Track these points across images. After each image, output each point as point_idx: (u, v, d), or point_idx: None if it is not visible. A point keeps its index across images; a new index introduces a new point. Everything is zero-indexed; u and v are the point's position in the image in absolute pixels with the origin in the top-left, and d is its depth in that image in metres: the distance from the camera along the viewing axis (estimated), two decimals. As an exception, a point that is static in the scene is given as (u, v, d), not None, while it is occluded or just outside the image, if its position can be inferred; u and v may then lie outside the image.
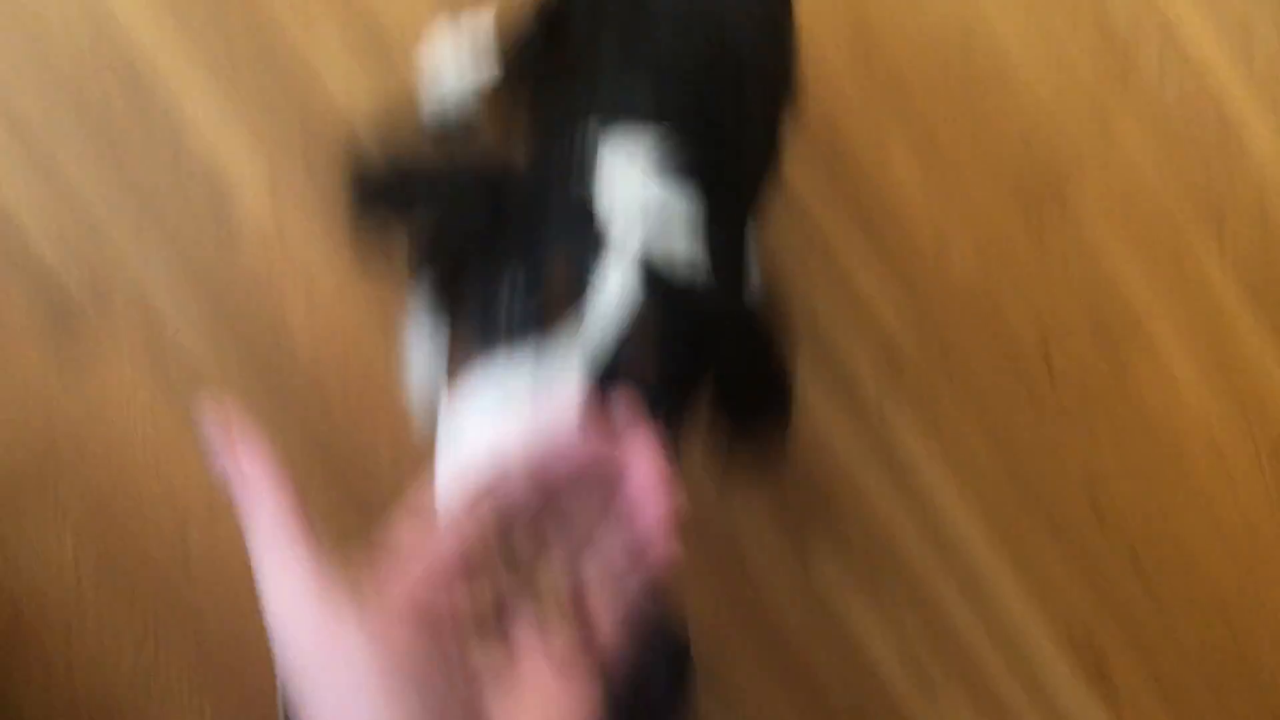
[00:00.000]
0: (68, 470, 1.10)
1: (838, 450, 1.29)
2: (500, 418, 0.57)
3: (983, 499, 1.32)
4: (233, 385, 1.12)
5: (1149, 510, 1.37)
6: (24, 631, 1.09)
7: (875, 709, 1.30)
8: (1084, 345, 1.35)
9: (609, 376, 0.60)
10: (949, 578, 1.32)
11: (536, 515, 0.37)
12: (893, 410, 1.30)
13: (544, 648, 0.36)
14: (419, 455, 0.79)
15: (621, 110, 0.73)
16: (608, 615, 0.36)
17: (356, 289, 1.14)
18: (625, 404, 0.58)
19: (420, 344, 0.86)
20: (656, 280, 0.62)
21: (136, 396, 1.11)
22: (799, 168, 1.23)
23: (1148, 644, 1.37)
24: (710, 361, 0.66)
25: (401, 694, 0.32)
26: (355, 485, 1.14)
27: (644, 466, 0.35)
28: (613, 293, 0.60)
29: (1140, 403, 1.36)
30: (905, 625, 1.30)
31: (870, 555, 1.30)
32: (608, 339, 0.60)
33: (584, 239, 0.63)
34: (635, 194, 0.66)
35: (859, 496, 1.29)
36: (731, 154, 0.79)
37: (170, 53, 1.12)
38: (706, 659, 1.25)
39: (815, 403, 1.28)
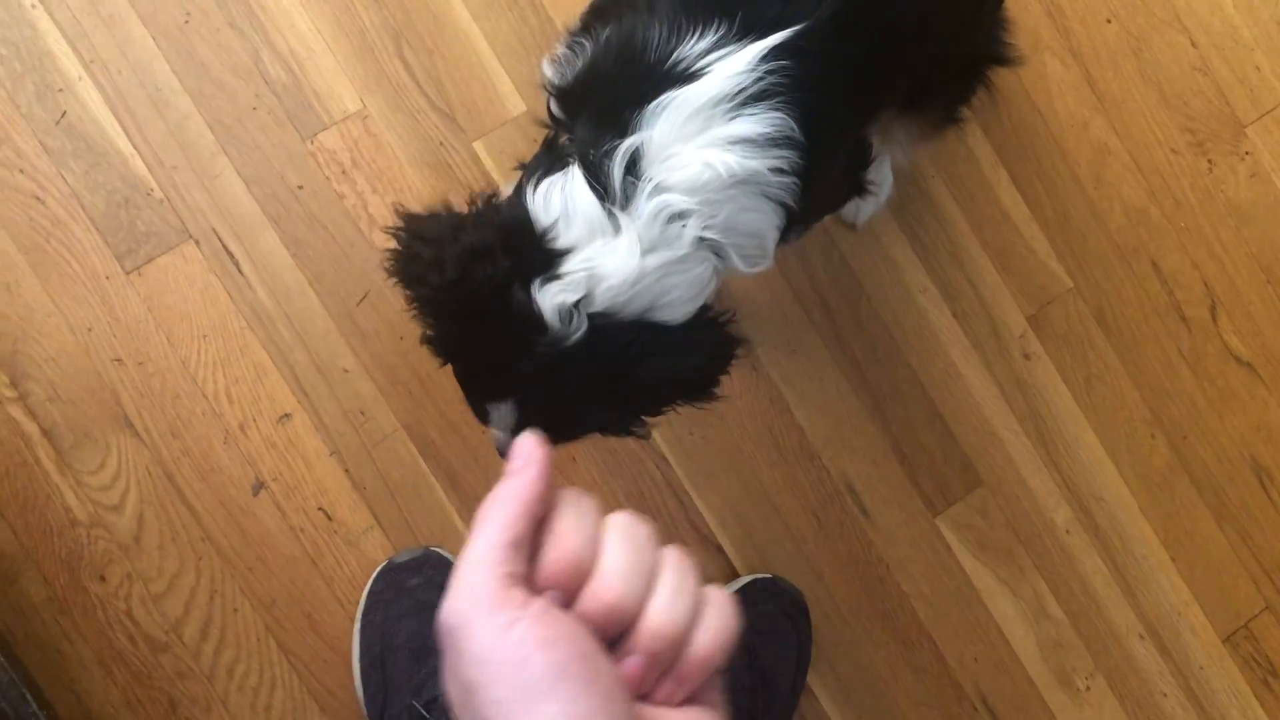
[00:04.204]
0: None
1: (982, 408, 1.18)
2: None
3: (1137, 469, 1.21)
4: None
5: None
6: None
7: (1011, 699, 1.19)
8: (1255, 304, 1.23)
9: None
10: (1097, 556, 1.20)
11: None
12: (1040, 367, 1.19)
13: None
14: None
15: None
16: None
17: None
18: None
19: None
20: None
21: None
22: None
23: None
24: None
25: (565, 678, 0.33)
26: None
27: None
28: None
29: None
30: (1047, 609, 1.19)
31: (1013, 528, 1.19)
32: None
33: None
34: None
35: (1002, 461, 1.18)
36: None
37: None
38: (832, 632, 1.15)
39: (957, 357, 1.18)
